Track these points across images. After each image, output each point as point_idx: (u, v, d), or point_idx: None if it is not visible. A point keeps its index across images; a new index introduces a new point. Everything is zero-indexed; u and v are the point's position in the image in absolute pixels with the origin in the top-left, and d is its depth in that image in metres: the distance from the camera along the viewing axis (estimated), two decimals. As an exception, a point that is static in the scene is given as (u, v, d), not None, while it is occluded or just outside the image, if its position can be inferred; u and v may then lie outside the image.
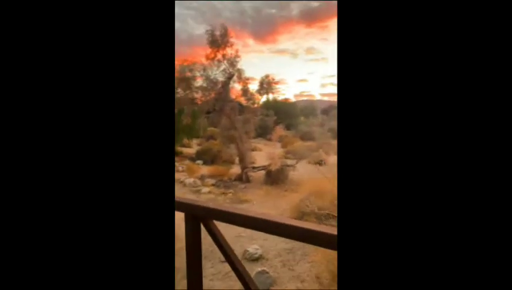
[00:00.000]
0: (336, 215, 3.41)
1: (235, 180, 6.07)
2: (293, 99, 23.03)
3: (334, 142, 6.96)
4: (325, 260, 2.55)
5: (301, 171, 6.28)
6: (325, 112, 22.52)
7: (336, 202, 3.41)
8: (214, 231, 1.01)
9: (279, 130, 10.87)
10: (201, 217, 1.02)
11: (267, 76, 6.68)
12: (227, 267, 2.49)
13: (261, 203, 4.56)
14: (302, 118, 20.31)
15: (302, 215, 3.51)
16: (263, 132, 13.14)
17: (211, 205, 1.06)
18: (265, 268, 2.58)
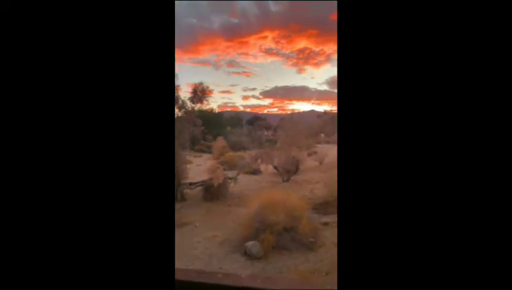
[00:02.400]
0: (292, 226, 3.30)
1: (167, 199, 5.27)
2: (217, 110, 22.81)
3: (273, 152, 7.07)
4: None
5: (240, 183, 6.05)
6: (250, 122, 23.38)
7: (293, 214, 3.31)
8: None
9: (220, 141, 10.34)
10: None
11: (200, 84, 6.23)
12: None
13: (205, 223, 4.05)
14: (228, 128, 20.37)
15: (256, 233, 3.23)
16: (191, 143, 12.32)
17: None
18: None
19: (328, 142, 16.21)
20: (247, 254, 3.03)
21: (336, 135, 20.57)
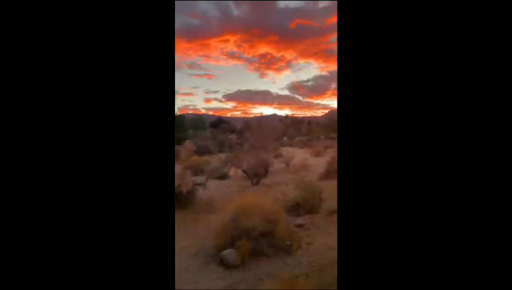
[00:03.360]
0: (266, 231, 3.24)
1: (128, 209, 4.79)
2: (177, 112, 21.78)
3: (242, 155, 6.96)
4: None
5: (209, 188, 5.81)
6: (214, 125, 22.88)
7: (268, 217, 3.24)
8: None
9: (188, 145, 9.78)
10: None
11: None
12: None
13: (175, 233, 3.75)
14: (191, 132, 19.68)
15: (231, 240, 3.09)
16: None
17: None
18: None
19: (291, 145, 16.68)
20: (224, 264, 2.88)
21: (298, 138, 21.32)
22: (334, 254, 2.77)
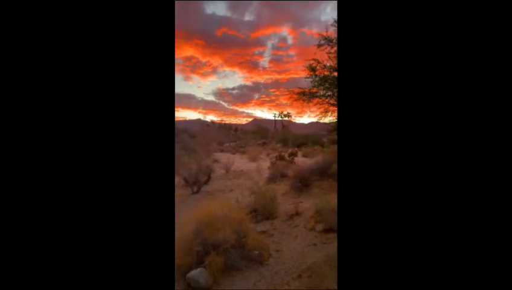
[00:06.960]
0: (237, 243, 2.97)
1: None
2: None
3: (188, 160, 6.28)
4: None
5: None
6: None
7: (234, 227, 2.98)
8: None
9: None
10: None
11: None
12: None
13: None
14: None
15: (198, 258, 2.68)
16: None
17: None
18: None
19: (222, 151, 16.48)
20: (192, 286, 2.45)
21: (227, 144, 21.28)
22: (307, 259, 2.77)
